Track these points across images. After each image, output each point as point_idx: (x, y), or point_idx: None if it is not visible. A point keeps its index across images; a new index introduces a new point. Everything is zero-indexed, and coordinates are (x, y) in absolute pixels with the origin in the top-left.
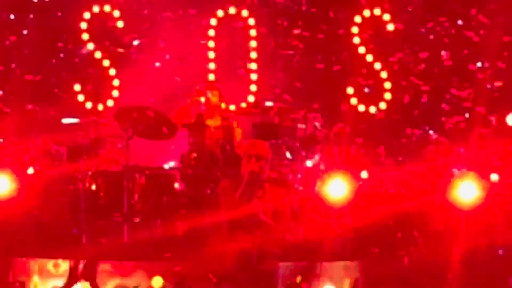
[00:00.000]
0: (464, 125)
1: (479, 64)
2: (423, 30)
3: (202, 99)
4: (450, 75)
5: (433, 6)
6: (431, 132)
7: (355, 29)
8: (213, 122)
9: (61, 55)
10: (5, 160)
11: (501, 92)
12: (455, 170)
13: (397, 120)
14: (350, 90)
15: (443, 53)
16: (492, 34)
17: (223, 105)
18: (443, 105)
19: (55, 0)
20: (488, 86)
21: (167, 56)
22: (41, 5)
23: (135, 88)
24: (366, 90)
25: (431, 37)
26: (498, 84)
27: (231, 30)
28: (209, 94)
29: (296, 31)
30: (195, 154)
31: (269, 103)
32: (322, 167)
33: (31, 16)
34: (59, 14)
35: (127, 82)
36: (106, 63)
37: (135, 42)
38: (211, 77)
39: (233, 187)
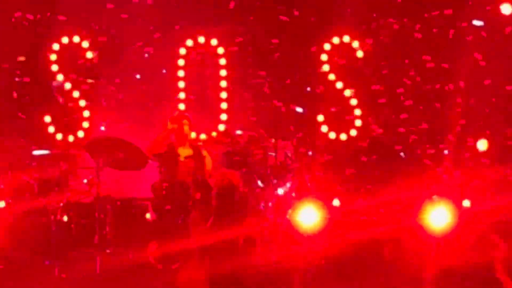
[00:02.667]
0: (435, 152)
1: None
2: (392, 58)
3: (172, 126)
4: (419, 104)
5: (403, 34)
6: (402, 154)
7: (324, 57)
8: (184, 152)
9: (31, 86)
10: None
11: (471, 120)
12: (427, 197)
13: (368, 147)
14: (320, 118)
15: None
16: (461, 62)
17: (193, 135)
18: (412, 136)
19: (25, 31)
20: (459, 110)
21: (139, 87)
22: (11, 35)
23: (106, 119)
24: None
25: (401, 64)
26: (462, 121)
27: (201, 59)
28: (183, 124)
29: (266, 60)
30: (166, 184)
31: (239, 132)
32: (293, 195)
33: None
34: (29, 45)
35: (98, 113)
36: (76, 94)
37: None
38: (181, 106)
39: (204, 216)
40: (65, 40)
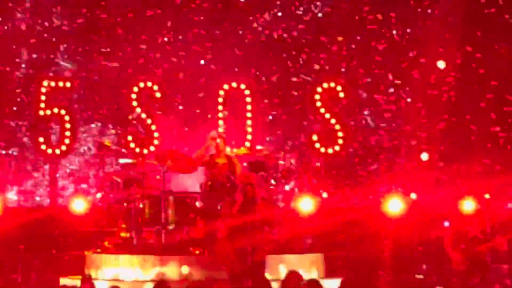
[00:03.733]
0: (393, 161)
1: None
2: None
3: (214, 143)
4: (382, 127)
5: (375, 81)
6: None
7: (317, 96)
8: (220, 160)
9: (117, 115)
10: (80, 188)
11: (417, 140)
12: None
13: (348, 158)
14: (314, 137)
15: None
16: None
17: (228, 148)
18: (377, 150)
19: (112, 76)
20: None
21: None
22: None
23: (169, 140)
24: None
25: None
26: (413, 141)
27: (234, 97)
28: (219, 141)
29: (278, 98)
30: (209, 183)
31: (259, 147)
32: (296, 190)
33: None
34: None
35: (163, 134)
36: (149, 121)
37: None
38: (220, 129)
39: (232, 204)
40: (141, 84)
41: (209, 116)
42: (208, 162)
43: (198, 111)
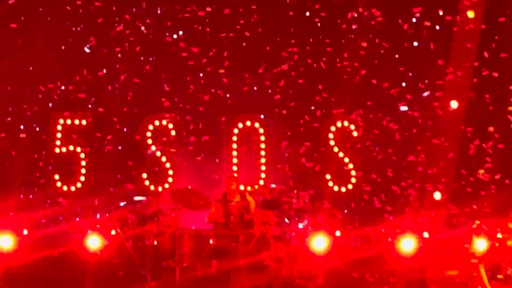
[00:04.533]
0: (404, 201)
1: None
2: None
3: (233, 186)
4: (396, 171)
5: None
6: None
7: (331, 135)
8: (234, 199)
9: (132, 153)
10: (95, 226)
11: (429, 180)
12: (398, 231)
13: (362, 197)
14: (328, 176)
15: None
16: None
17: (242, 187)
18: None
19: (123, 116)
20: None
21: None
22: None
23: (183, 176)
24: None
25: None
26: (428, 185)
27: (248, 136)
28: (232, 183)
29: (290, 137)
30: (223, 220)
31: (273, 185)
32: (309, 228)
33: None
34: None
35: (178, 172)
36: (163, 159)
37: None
38: (235, 168)
39: (249, 241)
40: (157, 123)
41: (217, 160)
42: (221, 201)
43: (210, 148)
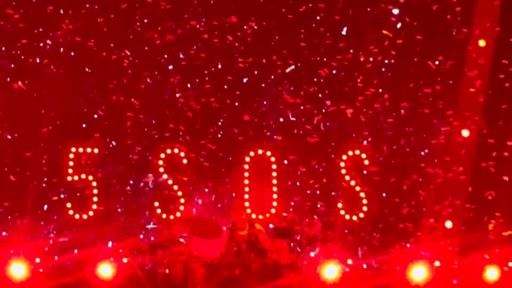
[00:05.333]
0: (413, 230)
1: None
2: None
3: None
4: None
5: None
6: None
7: (342, 164)
8: (242, 232)
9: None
10: (107, 253)
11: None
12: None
13: (371, 227)
14: (339, 205)
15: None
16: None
17: (253, 215)
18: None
19: (135, 144)
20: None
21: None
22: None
23: (195, 206)
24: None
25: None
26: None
27: (259, 165)
28: (242, 212)
29: (303, 168)
30: (235, 249)
31: (285, 214)
32: (320, 257)
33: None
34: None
35: (189, 201)
36: (175, 187)
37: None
38: (246, 196)
39: (260, 271)
40: (168, 151)
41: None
42: (231, 230)
43: (224, 177)
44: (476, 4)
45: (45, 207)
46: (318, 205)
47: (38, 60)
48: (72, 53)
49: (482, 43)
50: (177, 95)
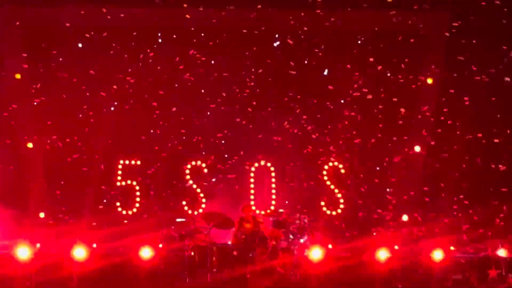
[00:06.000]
0: (378, 223)
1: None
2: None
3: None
4: (375, 199)
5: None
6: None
7: (324, 172)
8: (247, 225)
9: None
10: (146, 240)
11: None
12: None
13: (346, 220)
14: (322, 203)
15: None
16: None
17: (257, 211)
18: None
19: (168, 157)
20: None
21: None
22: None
23: (213, 204)
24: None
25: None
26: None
27: (262, 172)
28: (248, 210)
29: (295, 175)
30: (243, 236)
31: (281, 210)
32: (308, 243)
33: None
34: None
35: (209, 200)
36: (198, 190)
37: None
38: (251, 196)
39: (264, 252)
40: (193, 163)
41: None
42: (239, 222)
43: (235, 182)
44: (425, 51)
45: (100, 205)
46: (305, 210)
47: (103, 95)
48: (131, 90)
49: (429, 81)
50: (200, 120)
